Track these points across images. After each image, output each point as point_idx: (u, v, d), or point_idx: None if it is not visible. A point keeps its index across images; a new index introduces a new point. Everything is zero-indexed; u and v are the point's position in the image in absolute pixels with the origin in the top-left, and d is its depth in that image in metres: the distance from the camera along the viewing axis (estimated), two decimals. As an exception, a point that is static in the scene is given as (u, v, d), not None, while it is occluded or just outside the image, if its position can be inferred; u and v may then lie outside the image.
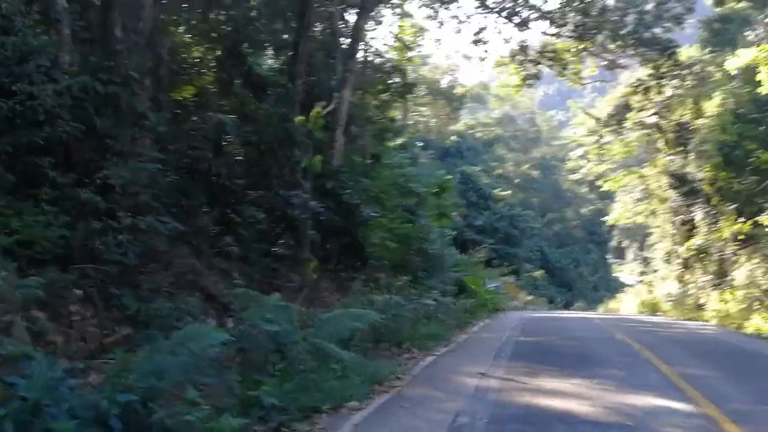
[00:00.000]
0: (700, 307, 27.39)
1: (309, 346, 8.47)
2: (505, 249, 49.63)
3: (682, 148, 34.11)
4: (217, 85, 16.52)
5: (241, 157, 14.95)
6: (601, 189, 51.94)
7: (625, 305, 42.90)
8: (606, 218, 56.85)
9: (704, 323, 23.53)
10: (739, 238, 24.83)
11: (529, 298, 45.19)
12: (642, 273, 50.06)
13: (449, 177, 25.39)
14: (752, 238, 23.56)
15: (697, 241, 29.56)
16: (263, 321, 8.06)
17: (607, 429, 6.57)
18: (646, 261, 50.26)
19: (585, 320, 24.41)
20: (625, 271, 61.89)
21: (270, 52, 20.46)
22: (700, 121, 31.86)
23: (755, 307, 20.64)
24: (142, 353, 6.20)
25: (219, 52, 16.71)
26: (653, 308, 34.24)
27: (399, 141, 29.93)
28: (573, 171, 63.22)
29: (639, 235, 55.83)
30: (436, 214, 22.43)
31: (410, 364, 11.08)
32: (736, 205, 26.39)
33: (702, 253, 28.73)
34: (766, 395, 8.33)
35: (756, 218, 21.92)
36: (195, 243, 11.70)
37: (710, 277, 28.32)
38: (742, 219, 24.32)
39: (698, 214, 31.02)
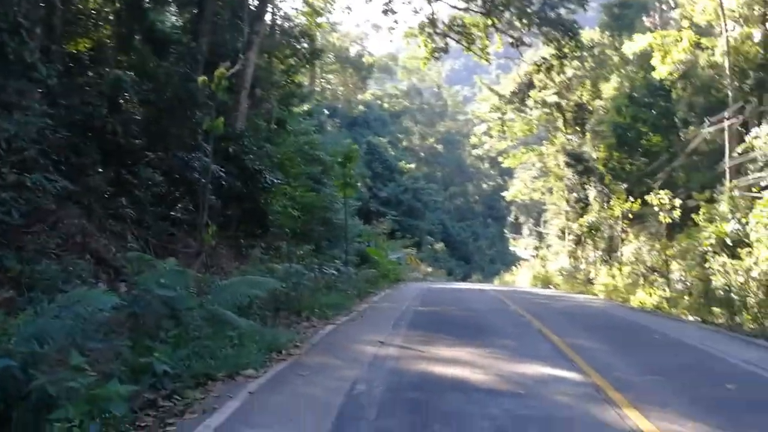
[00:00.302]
0: (590, 281, 28.66)
1: (205, 313, 8.28)
2: (408, 221, 50.29)
3: (579, 128, 35.43)
4: (115, 40, 15.65)
5: (138, 116, 14.25)
6: (502, 165, 53.46)
7: (520, 278, 44.37)
8: (505, 194, 58.58)
9: (593, 297, 24.59)
10: (629, 216, 26.02)
11: (430, 269, 46.07)
12: (536, 248, 51.83)
13: (355, 147, 25.22)
14: (640, 216, 24.73)
15: (589, 218, 30.82)
16: (157, 286, 7.78)
17: (499, 396, 6.72)
18: (540, 236, 52.08)
19: (481, 292, 25.05)
20: (521, 246, 64.00)
21: (173, 8, 19.62)
22: (597, 103, 33.12)
23: (640, 283, 21.75)
24: (24, 317, 5.86)
25: (118, 5, 15.85)
26: (546, 281, 35.55)
27: (305, 107, 29.60)
28: (476, 146, 64.58)
29: (535, 211, 57.88)
30: (341, 183, 22.31)
31: (310, 333, 11.04)
32: (626, 185, 27.68)
33: (594, 230, 29.97)
34: (648, 366, 8.74)
35: (645, 197, 22.93)
36: (86, 203, 11.15)
37: (600, 253, 29.67)
38: (632, 198, 25.47)
39: (591, 193, 32.36)
